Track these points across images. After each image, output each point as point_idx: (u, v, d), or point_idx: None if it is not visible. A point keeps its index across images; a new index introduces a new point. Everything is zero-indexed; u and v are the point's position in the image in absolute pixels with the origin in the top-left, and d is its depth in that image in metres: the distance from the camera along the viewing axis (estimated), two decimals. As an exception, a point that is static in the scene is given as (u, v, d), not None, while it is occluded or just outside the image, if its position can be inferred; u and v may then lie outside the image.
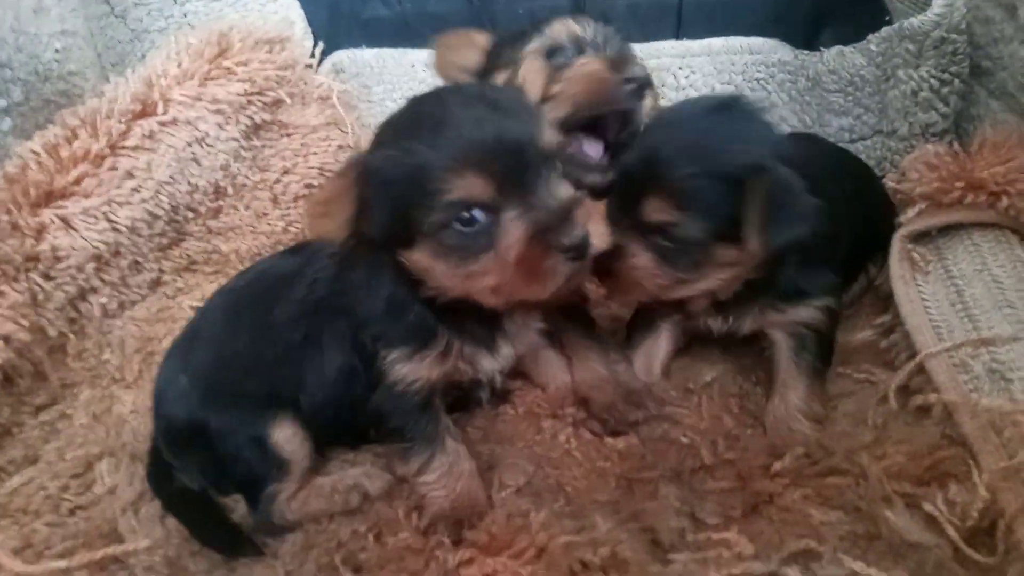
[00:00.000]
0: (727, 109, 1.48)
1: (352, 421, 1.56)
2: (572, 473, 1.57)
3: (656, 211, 1.42)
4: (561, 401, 1.70)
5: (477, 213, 1.25)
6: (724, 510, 1.44)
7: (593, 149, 1.74)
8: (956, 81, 2.16)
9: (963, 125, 2.25)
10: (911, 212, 1.75)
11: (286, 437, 1.49)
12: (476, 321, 1.45)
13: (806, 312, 1.56)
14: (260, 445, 1.47)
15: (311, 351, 1.52)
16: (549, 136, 1.32)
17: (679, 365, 1.81)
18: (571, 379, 1.71)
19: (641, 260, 1.47)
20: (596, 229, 1.32)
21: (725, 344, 1.84)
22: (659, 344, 1.77)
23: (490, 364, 1.52)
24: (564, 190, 1.31)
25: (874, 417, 1.55)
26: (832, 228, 1.51)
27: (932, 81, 2.15)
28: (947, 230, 1.77)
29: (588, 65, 1.70)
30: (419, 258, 1.32)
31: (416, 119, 1.33)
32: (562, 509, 1.46)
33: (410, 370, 1.43)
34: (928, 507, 1.33)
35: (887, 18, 2.33)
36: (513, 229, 1.26)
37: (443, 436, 1.49)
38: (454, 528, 1.40)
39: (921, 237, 1.78)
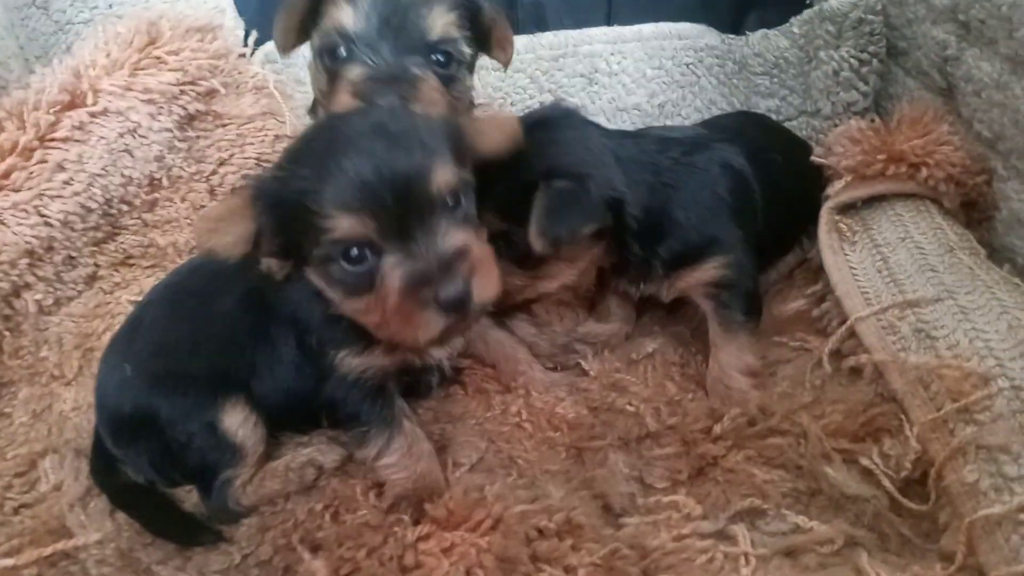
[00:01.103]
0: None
1: (304, 406, 1.56)
2: (523, 446, 1.60)
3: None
4: (512, 375, 1.73)
5: (363, 251, 1.24)
6: (671, 474, 1.50)
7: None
8: (874, 61, 2.26)
9: (882, 104, 2.35)
10: (838, 185, 1.83)
11: (238, 421, 1.48)
12: None
13: (712, 271, 1.65)
14: (211, 431, 1.46)
15: (260, 341, 1.52)
16: (444, 175, 1.25)
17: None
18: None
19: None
20: (484, 280, 1.27)
21: (665, 316, 1.91)
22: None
23: (439, 352, 1.53)
24: (452, 237, 1.25)
25: (811, 380, 1.63)
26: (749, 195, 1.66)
27: (852, 61, 2.25)
28: (871, 201, 1.85)
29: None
30: (314, 279, 1.34)
31: (311, 144, 1.32)
32: (516, 482, 1.49)
33: (361, 361, 1.45)
34: (865, 461, 1.41)
35: (808, 2, 2.41)
36: (391, 277, 1.24)
37: (399, 418, 1.51)
38: (416, 508, 1.41)
39: (847, 209, 1.85)
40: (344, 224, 1.20)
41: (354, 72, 1.54)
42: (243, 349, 1.51)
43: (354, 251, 1.24)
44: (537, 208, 1.47)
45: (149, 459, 1.52)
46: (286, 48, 1.76)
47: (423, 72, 1.55)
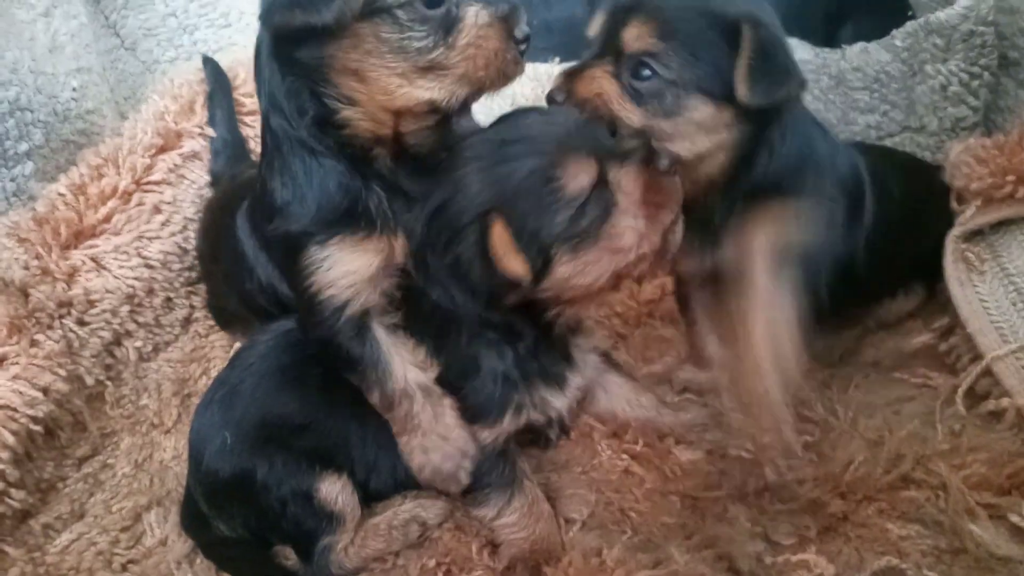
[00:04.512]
0: None
1: (407, 481, 1.51)
2: (634, 495, 1.54)
3: (636, 38, 1.35)
4: (642, 426, 1.65)
5: None
6: (798, 530, 1.41)
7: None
8: (985, 74, 2.13)
9: (991, 117, 2.22)
10: (968, 212, 1.71)
11: (336, 490, 1.44)
12: (545, 359, 1.43)
13: (786, 210, 1.43)
14: (308, 500, 1.43)
15: (364, 422, 1.48)
16: None
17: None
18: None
19: (604, 83, 1.38)
20: None
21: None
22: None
23: (560, 402, 1.48)
24: None
25: (943, 421, 1.52)
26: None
27: (961, 75, 2.12)
28: (999, 226, 1.73)
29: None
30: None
31: None
32: (632, 541, 1.42)
33: (490, 434, 1.42)
34: (1015, 518, 1.31)
35: (909, 13, 2.30)
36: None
37: (521, 478, 1.46)
38: (534, 571, 1.36)
39: (973, 235, 1.74)
40: None
41: None
42: (349, 435, 1.48)
43: None
44: (747, 53, 1.29)
45: (243, 522, 1.49)
46: None
47: None
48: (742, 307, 1.40)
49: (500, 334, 1.39)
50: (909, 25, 2.25)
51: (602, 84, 1.38)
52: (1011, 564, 1.26)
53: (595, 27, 1.43)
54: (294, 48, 1.26)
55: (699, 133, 1.38)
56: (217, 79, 2.26)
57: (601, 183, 1.26)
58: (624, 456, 1.60)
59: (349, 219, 1.34)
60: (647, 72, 1.34)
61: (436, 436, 1.39)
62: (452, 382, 1.41)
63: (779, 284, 1.38)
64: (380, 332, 1.38)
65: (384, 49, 1.24)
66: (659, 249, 1.31)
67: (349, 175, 1.34)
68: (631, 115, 1.36)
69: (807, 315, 1.39)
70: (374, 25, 1.23)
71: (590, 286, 1.31)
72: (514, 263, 1.24)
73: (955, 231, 1.71)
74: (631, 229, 1.28)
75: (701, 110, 1.35)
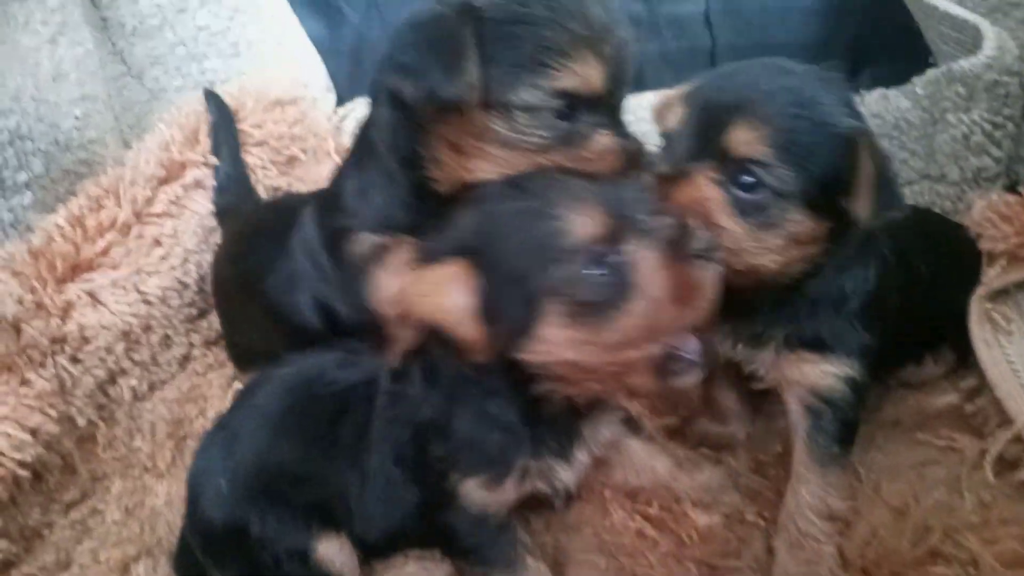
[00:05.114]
0: (811, 73, 1.30)
1: (406, 539, 1.47)
2: (647, 560, 1.46)
3: (746, 143, 1.22)
4: (655, 488, 1.58)
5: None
6: (822, 607, 1.34)
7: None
8: (1009, 124, 2.09)
9: (1013, 168, 2.18)
10: (991, 273, 1.65)
11: (333, 550, 1.37)
12: (553, 429, 1.31)
13: (828, 377, 1.38)
14: (303, 559, 1.36)
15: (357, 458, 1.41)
16: None
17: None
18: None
19: (711, 191, 1.25)
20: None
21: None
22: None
23: (566, 476, 1.37)
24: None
25: (971, 489, 1.45)
26: (882, 285, 1.40)
27: (984, 125, 2.08)
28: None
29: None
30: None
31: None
32: (646, 610, 1.36)
33: (488, 497, 1.32)
34: (1051, 599, 1.24)
35: (930, 59, 2.26)
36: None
37: (523, 556, 1.38)
38: None
39: (999, 295, 1.68)
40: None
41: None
42: (349, 485, 1.40)
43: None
44: (867, 168, 1.20)
45: (238, 574, 1.43)
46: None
47: None
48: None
49: (515, 394, 1.27)
50: (930, 73, 2.21)
51: (708, 193, 1.25)
52: (1048, 649, 1.20)
53: (675, 120, 1.32)
54: None
55: (792, 247, 1.27)
56: (220, 113, 2.22)
57: (614, 247, 1.11)
58: (637, 518, 1.53)
59: (403, 231, 1.41)
60: (751, 180, 1.23)
61: None
62: (461, 435, 1.30)
63: (821, 445, 1.40)
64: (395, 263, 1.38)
65: (490, 139, 1.27)
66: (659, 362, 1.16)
67: (416, 204, 1.42)
68: (735, 228, 1.24)
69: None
70: (488, 116, 1.25)
71: (580, 367, 1.16)
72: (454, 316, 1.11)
73: (980, 291, 1.65)
74: (641, 320, 1.11)
75: (803, 224, 1.25)
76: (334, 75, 2.65)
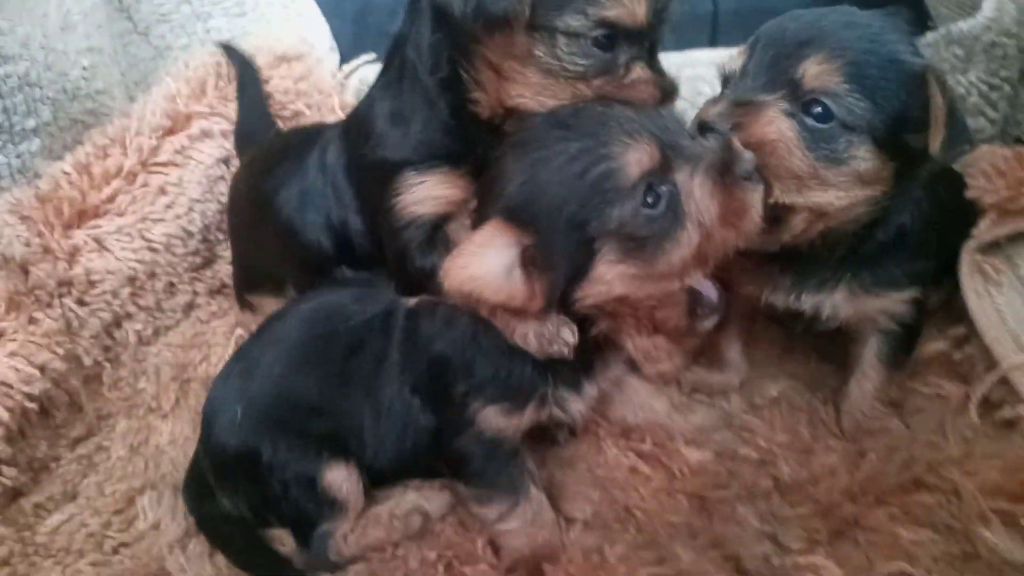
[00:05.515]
0: (878, 15, 1.32)
1: (415, 467, 1.49)
2: (639, 494, 1.51)
3: (818, 75, 1.23)
4: (653, 428, 1.61)
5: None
6: (808, 534, 1.38)
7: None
8: (1005, 86, 2.10)
9: (1008, 130, 2.19)
10: (983, 224, 1.67)
11: (341, 477, 1.41)
12: (568, 362, 1.32)
13: (902, 305, 1.47)
14: (311, 484, 1.40)
15: (374, 389, 1.44)
16: None
17: (740, 382, 1.75)
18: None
19: (782, 124, 1.26)
20: None
21: (782, 354, 1.78)
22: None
23: (577, 406, 1.40)
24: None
25: (955, 430, 1.49)
26: (928, 219, 1.46)
27: (981, 86, 2.09)
28: (1017, 237, 1.70)
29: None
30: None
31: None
32: (636, 539, 1.40)
33: (507, 422, 1.35)
34: (1027, 524, 1.27)
35: (929, 23, 2.28)
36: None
37: (528, 484, 1.41)
38: (534, 571, 1.33)
39: (990, 247, 1.70)
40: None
41: None
42: (364, 416, 1.43)
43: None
44: (941, 104, 1.21)
45: (246, 499, 1.47)
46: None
47: None
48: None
49: None
50: (930, 35, 2.22)
51: (780, 127, 1.26)
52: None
53: (746, 57, 1.35)
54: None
55: (857, 185, 1.29)
56: (240, 61, 2.24)
57: (667, 178, 1.14)
58: (631, 454, 1.58)
59: (449, 157, 1.40)
60: (821, 111, 1.25)
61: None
62: (493, 360, 1.33)
63: (889, 355, 1.54)
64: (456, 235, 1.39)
65: (531, 63, 1.27)
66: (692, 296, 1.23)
67: (456, 127, 1.40)
68: (801, 161, 1.26)
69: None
70: (532, 40, 1.25)
71: (634, 300, 1.20)
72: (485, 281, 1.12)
73: (971, 243, 1.67)
74: (693, 246, 1.15)
75: (869, 160, 1.27)
76: (338, 36, 2.65)
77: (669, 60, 2.46)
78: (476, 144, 1.36)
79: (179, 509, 1.56)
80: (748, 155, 1.17)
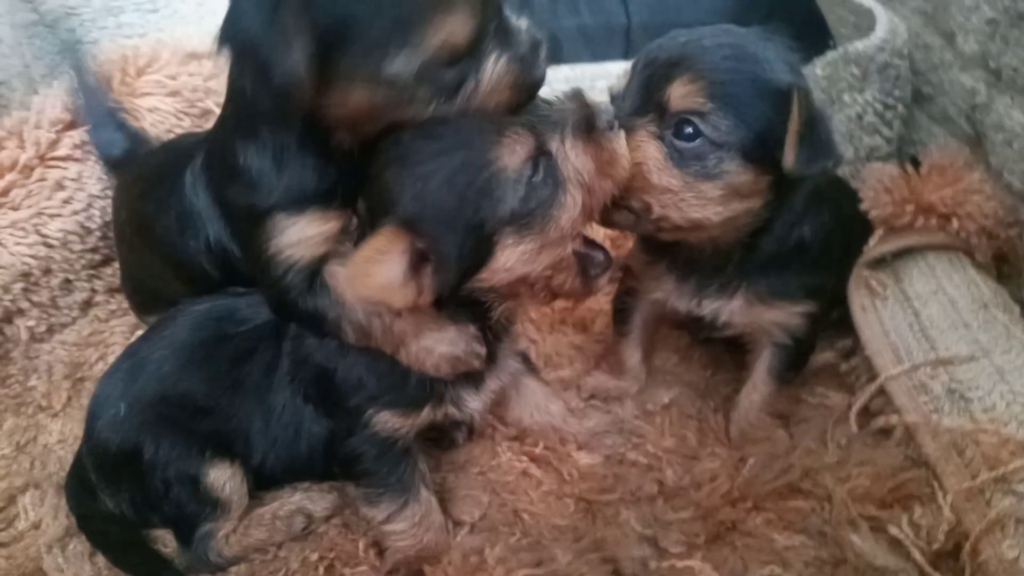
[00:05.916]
0: (753, 33, 1.36)
1: (305, 470, 1.49)
2: (529, 497, 1.53)
3: (684, 96, 1.28)
4: (545, 430, 1.64)
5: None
6: (688, 538, 1.42)
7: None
8: (899, 106, 2.19)
9: (905, 150, 2.28)
10: (871, 240, 1.74)
11: (224, 477, 1.40)
12: None
13: (796, 317, 1.51)
14: (193, 484, 1.38)
15: (265, 393, 1.44)
16: None
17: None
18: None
19: (648, 148, 1.30)
20: None
21: (679, 363, 1.82)
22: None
23: (476, 403, 1.42)
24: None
25: (835, 439, 1.55)
26: (829, 233, 1.51)
27: (877, 105, 2.18)
28: (902, 253, 1.77)
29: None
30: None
31: None
32: (519, 543, 1.41)
33: (401, 422, 1.36)
34: (894, 530, 1.33)
35: (830, 42, 2.36)
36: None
37: (418, 485, 1.41)
38: (416, 573, 1.34)
39: (877, 263, 1.76)
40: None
41: None
42: (253, 419, 1.43)
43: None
44: (798, 119, 1.24)
45: (129, 498, 1.44)
46: None
47: None
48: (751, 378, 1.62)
49: None
50: (829, 54, 2.30)
51: (647, 151, 1.31)
52: (887, 574, 1.28)
53: (625, 81, 1.39)
54: None
55: (735, 198, 1.33)
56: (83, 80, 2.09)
57: (543, 155, 1.18)
58: (523, 458, 1.59)
59: (318, 195, 1.29)
60: (690, 131, 1.29)
61: (428, 332, 1.29)
62: (383, 374, 1.34)
63: (779, 369, 1.59)
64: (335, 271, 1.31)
65: (378, 111, 1.18)
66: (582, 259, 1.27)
67: (325, 163, 1.27)
68: (671, 179, 1.30)
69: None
70: (363, 90, 1.15)
71: (532, 275, 1.22)
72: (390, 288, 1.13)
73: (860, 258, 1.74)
74: (578, 205, 1.20)
75: (742, 174, 1.30)
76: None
77: (583, 71, 2.53)
78: (345, 175, 1.29)
79: (62, 508, 1.53)
80: (606, 106, 1.25)
